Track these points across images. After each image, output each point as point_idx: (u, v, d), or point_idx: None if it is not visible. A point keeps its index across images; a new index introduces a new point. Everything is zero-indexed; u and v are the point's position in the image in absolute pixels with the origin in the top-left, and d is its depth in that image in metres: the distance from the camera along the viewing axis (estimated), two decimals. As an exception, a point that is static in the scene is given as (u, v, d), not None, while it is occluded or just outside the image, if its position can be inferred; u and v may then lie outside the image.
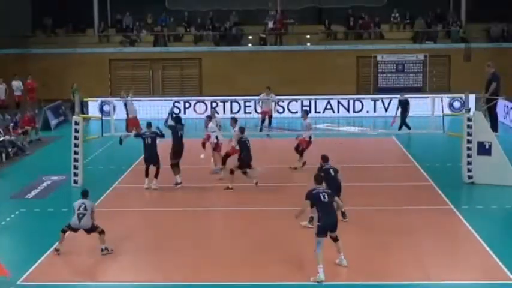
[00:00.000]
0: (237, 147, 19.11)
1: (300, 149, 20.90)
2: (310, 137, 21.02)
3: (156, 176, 19.04)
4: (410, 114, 27.04)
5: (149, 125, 19.21)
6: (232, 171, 18.78)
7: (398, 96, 27.63)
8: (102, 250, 13.73)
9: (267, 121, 27.87)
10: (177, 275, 12.86)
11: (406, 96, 27.22)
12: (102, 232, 13.81)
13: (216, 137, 20.35)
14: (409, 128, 26.54)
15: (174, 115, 20.25)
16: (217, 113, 23.04)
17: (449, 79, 36.91)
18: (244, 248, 14.14)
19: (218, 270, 12.97)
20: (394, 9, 38.63)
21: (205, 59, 37.60)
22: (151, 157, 18.92)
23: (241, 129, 19.17)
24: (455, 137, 20.36)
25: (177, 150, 19.22)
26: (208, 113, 22.70)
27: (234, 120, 20.19)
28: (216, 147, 20.41)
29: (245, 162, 18.75)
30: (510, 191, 18.39)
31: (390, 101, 30.63)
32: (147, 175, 19.07)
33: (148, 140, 18.90)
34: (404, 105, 26.94)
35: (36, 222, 16.44)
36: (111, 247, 13.85)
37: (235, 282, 12.41)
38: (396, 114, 27.15)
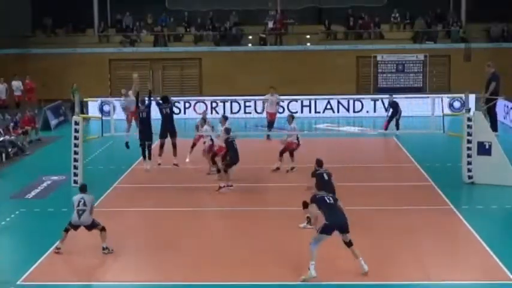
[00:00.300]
0: (223, 145, 19.07)
1: (290, 150, 20.66)
2: (298, 139, 20.84)
3: (149, 155, 19.26)
4: (410, 114, 27.07)
5: (143, 102, 19.37)
6: (219, 171, 18.80)
7: (399, 96, 27.68)
8: (103, 249, 13.72)
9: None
10: (177, 275, 12.86)
11: (395, 97, 27.37)
12: (103, 229, 13.78)
13: (211, 139, 20.33)
14: (386, 129, 26.94)
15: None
16: (217, 113, 22.93)
17: (449, 79, 36.91)
18: (244, 248, 14.14)
19: (218, 270, 12.96)
20: (394, 9, 38.63)
21: (205, 59, 37.60)
22: (145, 132, 19.08)
23: (227, 130, 18.97)
24: (455, 137, 20.36)
25: (161, 130, 19.38)
26: (207, 113, 22.55)
27: (225, 118, 20.09)
28: (210, 149, 20.36)
29: (232, 162, 18.59)
30: (510, 191, 18.39)
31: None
32: (144, 157, 19.35)
33: (143, 114, 19.16)
34: (394, 107, 27.08)
35: (36, 222, 16.43)
36: (112, 247, 13.85)
37: (235, 282, 12.40)
38: (387, 115, 27.35)
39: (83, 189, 14.07)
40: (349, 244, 12.51)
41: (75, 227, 13.86)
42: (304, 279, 12.19)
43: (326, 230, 12.38)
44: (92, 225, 13.81)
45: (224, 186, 18.50)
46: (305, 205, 14.94)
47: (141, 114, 19.26)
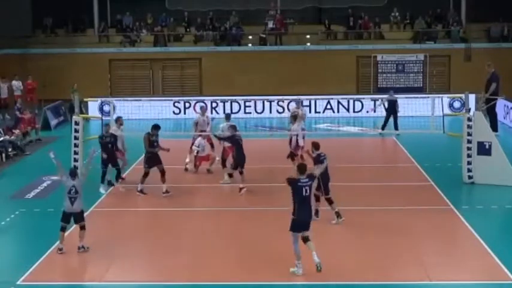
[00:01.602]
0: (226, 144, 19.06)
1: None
2: (297, 141, 20.34)
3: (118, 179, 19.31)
4: (410, 114, 27.05)
5: (107, 125, 19.25)
6: (231, 175, 18.58)
7: (399, 96, 27.67)
8: (79, 248, 13.74)
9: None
10: (177, 275, 12.86)
11: (394, 95, 27.39)
12: (83, 228, 13.79)
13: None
14: (383, 128, 27.05)
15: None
16: (217, 113, 22.82)
17: (449, 79, 36.91)
18: (244, 248, 14.13)
19: (218, 270, 12.96)
20: (394, 9, 38.61)
21: (205, 59, 37.58)
22: (107, 158, 18.95)
23: (234, 127, 18.80)
24: (455, 137, 20.36)
25: None
26: (207, 113, 22.44)
27: (227, 116, 20.11)
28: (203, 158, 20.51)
29: (240, 162, 18.38)
30: (510, 191, 18.39)
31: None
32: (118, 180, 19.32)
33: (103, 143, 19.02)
34: (392, 104, 27.08)
35: (36, 222, 16.43)
36: (88, 245, 13.83)
37: (235, 282, 12.41)
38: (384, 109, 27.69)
39: (73, 174, 14.06)
40: (305, 240, 12.41)
41: (68, 217, 13.80)
42: (293, 272, 12.35)
43: (296, 229, 12.38)
44: (80, 215, 13.80)
45: (243, 188, 18.31)
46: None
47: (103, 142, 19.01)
